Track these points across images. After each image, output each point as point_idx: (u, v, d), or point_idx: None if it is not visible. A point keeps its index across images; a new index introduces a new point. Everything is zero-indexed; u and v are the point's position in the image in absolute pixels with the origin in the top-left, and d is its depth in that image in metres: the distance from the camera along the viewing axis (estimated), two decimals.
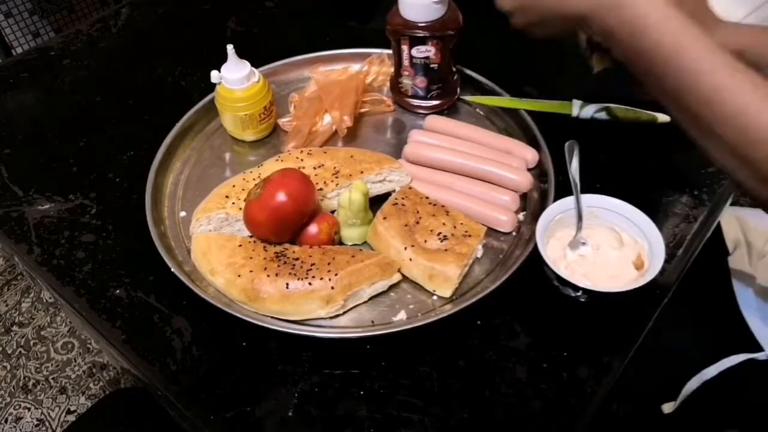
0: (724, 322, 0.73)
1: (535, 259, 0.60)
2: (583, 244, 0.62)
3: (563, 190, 0.67)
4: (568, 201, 0.64)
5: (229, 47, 0.72)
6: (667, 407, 0.68)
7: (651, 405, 0.71)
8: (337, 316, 0.61)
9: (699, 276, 0.67)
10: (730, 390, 0.64)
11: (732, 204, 0.82)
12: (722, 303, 0.73)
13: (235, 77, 0.73)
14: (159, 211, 0.70)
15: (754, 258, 0.75)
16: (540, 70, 0.90)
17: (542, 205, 0.66)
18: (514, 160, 0.71)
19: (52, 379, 1.50)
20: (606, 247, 0.62)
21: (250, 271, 0.60)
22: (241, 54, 0.74)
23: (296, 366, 0.58)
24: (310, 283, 0.59)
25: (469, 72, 0.82)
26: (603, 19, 0.54)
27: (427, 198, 0.67)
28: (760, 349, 0.67)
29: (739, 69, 0.49)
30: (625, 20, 0.53)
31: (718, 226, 0.82)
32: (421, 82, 0.78)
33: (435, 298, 0.62)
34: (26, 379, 1.50)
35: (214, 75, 0.74)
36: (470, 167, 0.71)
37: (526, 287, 0.61)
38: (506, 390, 0.55)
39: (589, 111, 0.76)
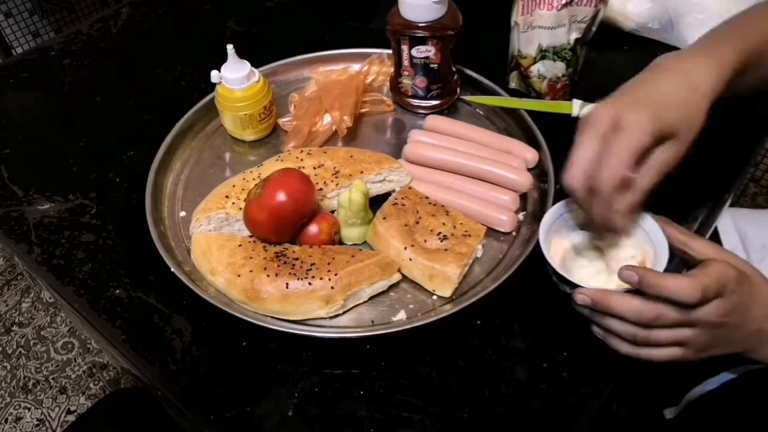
0: None
1: (535, 259, 0.60)
2: (584, 244, 0.62)
3: (563, 190, 0.67)
4: (571, 201, 0.64)
5: (229, 47, 0.72)
6: (669, 412, 0.68)
7: (651, 406, 0.71)
8: (337, 316, 0.61)
9: None
10: (731, 400, 0.65)
11: (731, 205, 0.82)
12: None
13: (235, 77, 0.73)
14: (159, 211, 0.70)
15: (753, 261, 0.75)
16: None
17: (542, 205, 0.66)
18: (514, 160, 0.71)
19: (52, 379, 1.50)
20: (609, 247, 0.62)
21: (250, 271, 0.60)
22: (241, 54, 0.74)
23: (296, 366, 0.58)
24: (310, 283, 0.59)
25: (469, 72, 0.82)
26: None
27: (427, 198, 0.67)
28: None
29: None
30: None
31: (715, 229, 0.82)
32: (421, 82, 0.78)
33: (435, 297, 0.62)
34: (26, 379, 1.51)
35: (214, 75, 0.74)
36: (470, 167, 0.71)
37: (526, 287, 0.61)
38: (506, 390, 0.55)
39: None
